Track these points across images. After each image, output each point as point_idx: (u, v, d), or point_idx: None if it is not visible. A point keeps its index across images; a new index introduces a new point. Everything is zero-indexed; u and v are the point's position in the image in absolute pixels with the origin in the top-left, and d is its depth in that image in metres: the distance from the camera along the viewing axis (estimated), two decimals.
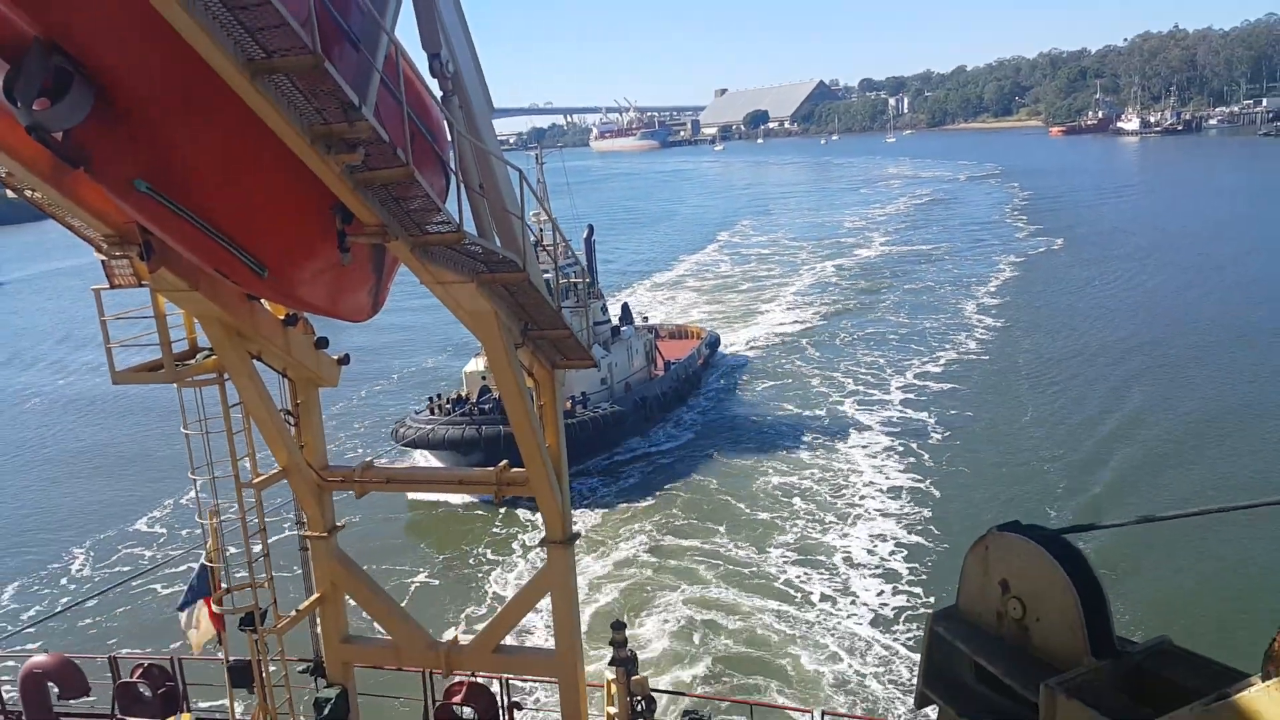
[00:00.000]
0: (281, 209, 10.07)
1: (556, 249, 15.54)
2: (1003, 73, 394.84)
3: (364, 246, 10.57)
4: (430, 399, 55.36)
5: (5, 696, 18.80)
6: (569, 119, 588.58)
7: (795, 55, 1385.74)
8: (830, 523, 43.93)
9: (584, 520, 45.70)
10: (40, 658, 18.33)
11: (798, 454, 53.26)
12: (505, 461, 14.33)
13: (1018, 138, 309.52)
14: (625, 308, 67.72)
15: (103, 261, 12.37)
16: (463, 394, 54.84)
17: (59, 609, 38.60)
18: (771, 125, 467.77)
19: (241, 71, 7.52)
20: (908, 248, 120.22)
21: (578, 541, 14.95)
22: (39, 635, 37.08)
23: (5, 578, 43.98)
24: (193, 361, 14.31)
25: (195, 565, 16.85)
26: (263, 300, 13.48)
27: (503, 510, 46.26)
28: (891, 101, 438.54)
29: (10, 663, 19.48)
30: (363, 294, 12.50)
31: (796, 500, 46.88)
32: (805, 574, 39.36)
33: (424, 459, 51.60)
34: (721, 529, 44.33)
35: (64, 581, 43.39)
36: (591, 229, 64.02)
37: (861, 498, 46.34)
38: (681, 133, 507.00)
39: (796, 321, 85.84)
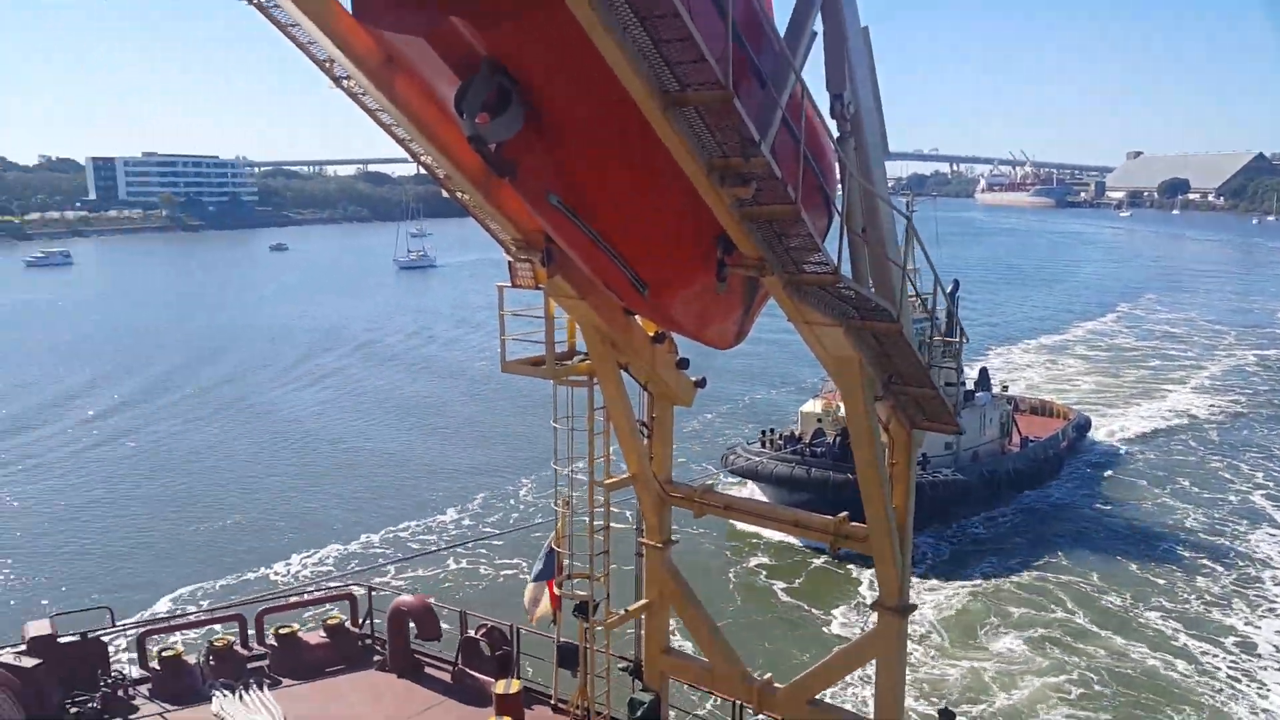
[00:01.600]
0: (671, 234, 10.53)
1: (933, 303, 14.79)
2: None
3: (739, 278, 10.73)
4: (763, 432, 55.68)
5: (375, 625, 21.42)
6: (955, 168, 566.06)
7: (1227, 122, 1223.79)
8: (1239, 609, 40.81)
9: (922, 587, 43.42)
10: (407, 598, 20.51)
11: (1189, 539, 48.98)
12: (845, 514, 13.86)
13: None
14: (983, 372, 63.32)
15: (509, 262, 13.67)
16: (796, 432, 54.72)
17: (421, 554, 43.79)
18: (1192, 196, 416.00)
19: (656, 102, 7.91)
20: None
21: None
22: (404, 574, 42.42)
23: (388, 520, 50.60)
24: (570, 363, 15.51)
25: (543, 545, 18.20)
26: (637, 316, 14.22)
27: (832, 560, 45.31)
28: None
29: (385, 594, 22.17)
30: (730, 323, 12.74)
31: (1199, 579, 43.93)
32: (1203, 650, 37.17)
33: (751, 489, 52.10)
34: (1089, 603, 41.80)
35: (433, 530, 49.14)
36: (957, 284, 60.82)
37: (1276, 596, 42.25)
38: (1082, 194, 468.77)
39: (1201, 408, 76.58)
